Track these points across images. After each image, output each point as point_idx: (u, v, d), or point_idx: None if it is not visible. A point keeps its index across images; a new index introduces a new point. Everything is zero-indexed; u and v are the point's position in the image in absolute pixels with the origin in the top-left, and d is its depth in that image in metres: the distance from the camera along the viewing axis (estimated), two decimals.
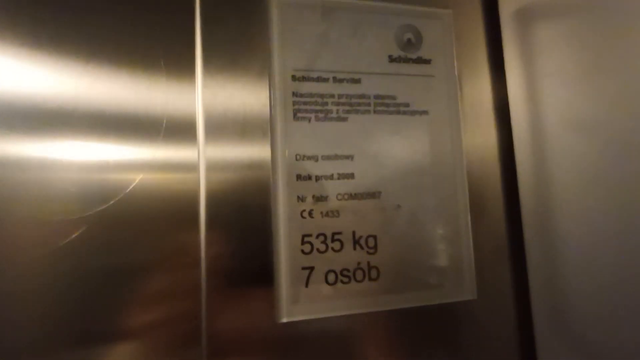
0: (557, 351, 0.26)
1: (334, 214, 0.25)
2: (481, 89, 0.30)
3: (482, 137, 0.30)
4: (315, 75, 0.26)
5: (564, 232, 0.26)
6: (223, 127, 0.25)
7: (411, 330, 0.26)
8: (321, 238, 0.24)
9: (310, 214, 0.24)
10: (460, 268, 0.27)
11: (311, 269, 0.24)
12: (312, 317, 0.24)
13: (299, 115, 0.25)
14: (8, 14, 0.22)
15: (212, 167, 0.24)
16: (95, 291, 0.22)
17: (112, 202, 0.23)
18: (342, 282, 0.24)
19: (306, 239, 0.24)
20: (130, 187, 0.23)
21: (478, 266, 0.27)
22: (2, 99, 0.22)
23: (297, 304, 0.24)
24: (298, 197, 0.25)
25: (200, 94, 0.25)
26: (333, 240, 0.25)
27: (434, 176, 0.27)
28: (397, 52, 0.28)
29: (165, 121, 0.24)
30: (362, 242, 0.25)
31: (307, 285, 0.24)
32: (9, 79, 0.22)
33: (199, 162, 0.24)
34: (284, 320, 0.23)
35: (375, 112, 0.27)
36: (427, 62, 0.28)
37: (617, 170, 0.22)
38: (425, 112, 0.28)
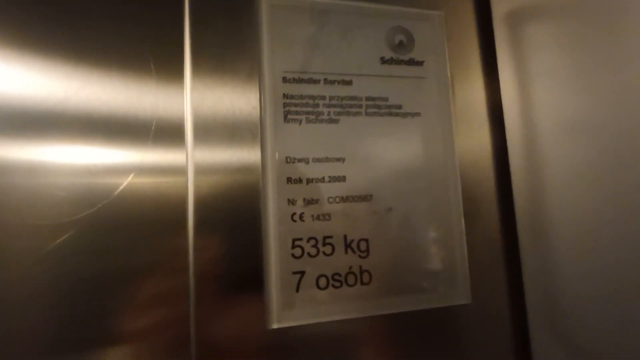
0: (553, 354, 0.26)
1: (325, 217, 0.25)
2: (474, 90, 0.30)
3: (475, 138, 0.29)
4: (306, 77, 0.26)
5: (559, 235, 0.25)
6: (212, 130, 0.24)
7: (404, 335, 0.26)
8: (312, 242, 0.24)
9: (301, 217, 0.24)
10: (454, 272, 0.26)
11: (302, 273, 0.24)
12: (303, 322, 0.23)
13: (290, 117, 0.25)
14: None
15: (201, 170, 0.24)
16: (83, 296, 0.21)
17: (99, 205, 0.22)
18: (333, 286, 0.24)
19: (297, 242, 0.24)
20: (119, 190, 0.23)
21: (472, 270, 0.27)
22: None
23: (288, 309, 0.23)
24: (288, 200, 0.24)
25: (189, 97, 0.24)
26: (324, 244, 0.24)
27: (426, 179, 0.27)
28: (388, 54, 0.28)
29: (154, 124, 0.24)
30: (354, 245, 0.25)
31: (297, 290, 0.23)
32: None
33: (187, 166, 0.24)
34: (275, 326, 0.23)
35: (366, 114, 0.27)
36: (418, 63, 0.28)
37: (612, 172, 0.22)
38: (417, 114, 0.27)
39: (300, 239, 0.24)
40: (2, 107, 0.22)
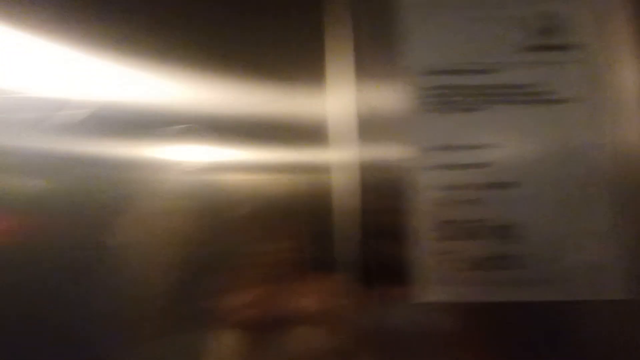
0: None
1: (471, 202, 0.25)
2: (633, 74, 0.28)
3: (632, 126, 0.27)
4: (447, 67, 0.27)
5: None
6: (354, 125, 0.26)
7: (550, 325, 0.25)
8: (458, 225, 0.25)
9: (448, 202, 0.25)
10: (608, 264, 0.25)
11: (449, 254, 0.25)
12: (448, 300, 0.24)
13: (434, 107, 0.26)
14: (139, 30, 0.27)
15: (344, 167, 0.26)
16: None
17: (240, 203, 0.25)
18: (479, 269, 0.25)
19: (443, 226, 0.25)
20: (260, 188, 0.26)
21: (631, 265, 0.25)
22: (137, 107, 0.26)
23: (433, 286, 0.25)
24: (434, 186, 0.25)
25: (330, 95, 0.26)
26: (471, 229, 0.25)
27: (578, 168, 0.26)
28: (535, 38, 0.27)
29: (295, 123, 0.26)
30: (501, 231, 0.25)
31: (444, 270, 0.25)
32: (145, 89, 0.26)
33: (330, 163, 0.26)
34: (419, 301, 0.24)
35: (513, 102, 0.26)
36: (571, 47, 0.27)
37: None
38: (568, 101, 0.26)
39: (449, 222, 0.25)
40: (149, 112, 0.26)
